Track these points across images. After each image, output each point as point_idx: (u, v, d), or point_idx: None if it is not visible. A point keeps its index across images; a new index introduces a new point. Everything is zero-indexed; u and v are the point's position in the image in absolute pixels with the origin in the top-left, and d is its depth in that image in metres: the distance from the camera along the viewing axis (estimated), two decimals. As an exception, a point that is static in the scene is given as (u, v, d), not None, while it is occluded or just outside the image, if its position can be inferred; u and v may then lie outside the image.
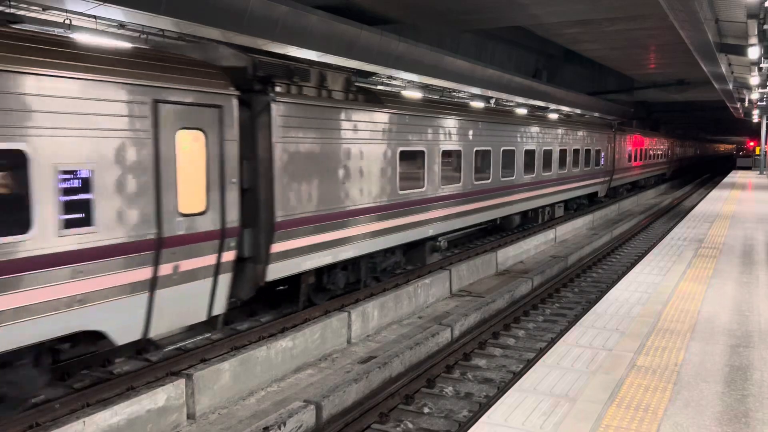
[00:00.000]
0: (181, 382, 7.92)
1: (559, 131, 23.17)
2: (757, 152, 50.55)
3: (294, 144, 10.22)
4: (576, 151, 25.05)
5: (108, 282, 7.37)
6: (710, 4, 14.70)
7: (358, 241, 12.01)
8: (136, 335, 7.89)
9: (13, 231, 6.41)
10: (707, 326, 7.54)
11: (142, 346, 10.05)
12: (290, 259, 10.29)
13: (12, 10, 10.28)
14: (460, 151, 15.79)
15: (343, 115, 11.40)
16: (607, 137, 29.55)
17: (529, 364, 10.32)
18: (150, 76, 7.77)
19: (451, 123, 15.31)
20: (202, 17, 11.49)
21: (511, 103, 26.21)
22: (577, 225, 24.43)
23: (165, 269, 8.05)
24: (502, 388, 9.30)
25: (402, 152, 13.26)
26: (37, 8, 10.31)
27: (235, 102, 8.97)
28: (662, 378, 5.92)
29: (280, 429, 7.33)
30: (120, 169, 7.45)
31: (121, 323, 7.63)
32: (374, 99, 12.58)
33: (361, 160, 11.97)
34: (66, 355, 9.60)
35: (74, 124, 6.93)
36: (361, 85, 14.03)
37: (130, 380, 8.48)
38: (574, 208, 27.05)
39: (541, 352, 10.81)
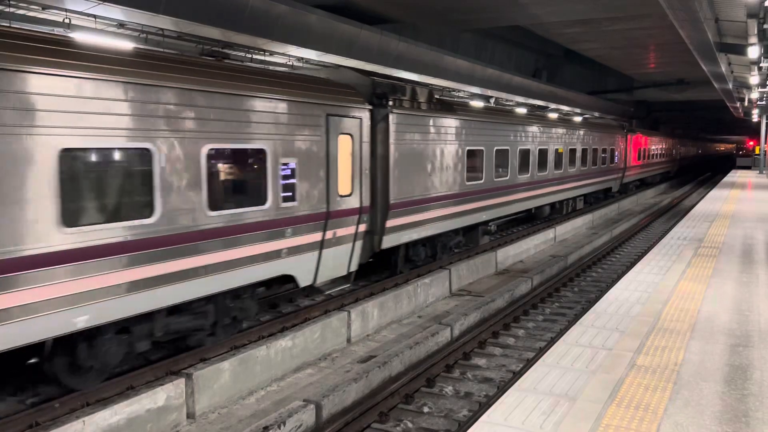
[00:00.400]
0: (180, 382, 7.92)
1: (581, 132, 26.02)
2: (757, 152, 50.57)
3: (402, 145, 13.42)
4: (595, 151, 27.93)
5: (299, 241, 10.29)
6: (710, 4, 14.70)
7: (437, 221, 15.01)
8: (309, 282, 10.78)
9: (257, 203, 9.47)
10: (707, 325, 7.54)
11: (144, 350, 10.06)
12: (396, 233, 13.42)
13: (11, 9, 10.28)
14: (507, 150, 18.70)
15: (429, 122, 14.44)
16: (620, 138, 32.54)
17: (529, 363, 10.32)
18: (324, 98, 10.83)
19: (501, 126, 18.33)
20: (201, 16, 11.49)
21: (545, 108, 28.81)
22: (577, 224, 24.43)
23: (328, 234, 11.03)
24: (502, 388, 9.30)
25: (468, 151, 16.20)
26: (36, 7, 10.31)
27: (367, 114, 12.12)
28: (662, 377, 5.92)
29: (279, 428, 7.33)
30: (308, 162, 10.43)
31: (304, 271, 10.56)
32: (448, 108, 15.48)
33: (441, 157, 14.96)
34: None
35: (289, 130, 10.01)
36: (438, 97, 16.83)
37: (130, 380, 8.47)
38: (591, 201, 29.94)
39: (541, 352, 10.81)
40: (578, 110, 32.68)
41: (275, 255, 9.80)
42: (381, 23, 19.02)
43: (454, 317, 11.99)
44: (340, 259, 11.51)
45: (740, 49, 18.28)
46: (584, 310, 13.31)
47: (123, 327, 8.11)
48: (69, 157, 6.95)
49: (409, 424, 8.20)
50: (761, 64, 19.10)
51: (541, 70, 31.97)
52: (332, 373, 9.64)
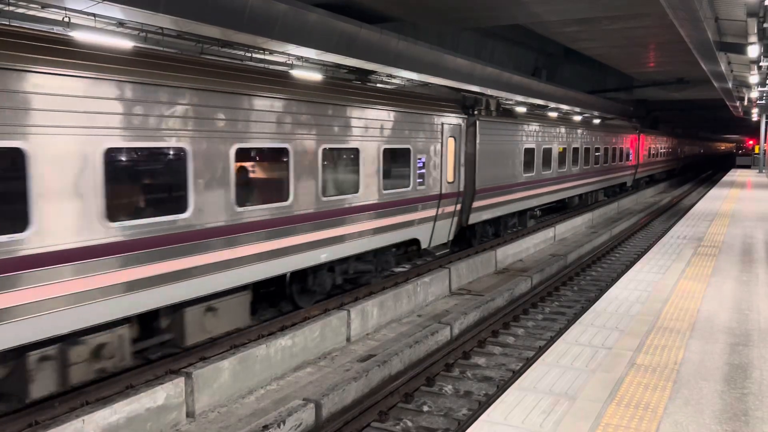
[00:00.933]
0: (180, 381, 7.92)
1: (603, 134, 30.07)
2: (756, 151, 50.56)
3: (484, 144, 17.43)
4: (614, 150, 32.14)
5: (423, 215, 14.37)
6: (710, 3, 14.68)
7: (504, 205, 19.08)
8: (426, 245, 14.81)
9: (401, 187, 13.39)
10: (707, 325, 7.54)
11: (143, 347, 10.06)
12: (478, 212, 17.45)
13: (11, 8, 10.27)
14: (551, 148, 22.48)
15: (500, 126, 18.47)
16: (634, 138, 36.35)
17: (529, 362, 10.32)
18: (441, 111, 15.08)
19: (546, 129, 22.15)
20: (201, 15, 11.47)
21: (577, 113, 32.46)
22: (577, 223, 24.43)
23: (440, 211, 15.04)
24: (502, 387, 9.30)
25: (525, 149, 20.29)
26: (36, 6, 10.29)
27: (464, 121, 16.24)
28: (662, 376, 5.92)
29: (279, 427, 7.32)
30: (431, 157, 14.52)
31: (425, 237, 14.66)
32: (509, 113, 19.73)
33: (507, 154, 19.06)
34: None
35: (422, 135, 14.19)
36: (503, 105, 20.37)
37: (130, 378, 8.47)
38: (609, 194, 33.67)
39: (541, 351, 10.81)
40: (578, 109, 33.05)
41: (410, 224, 13.92)
42: (381, 22, 19.00)
43: (453, 316, 11.99)
44: (444, 230, 15.64)
45: (740, 48, 18.25)
46: (584, 309, 13.31)
47: (330, 267, 12.00)
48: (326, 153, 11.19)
49: (409, 423, 8.20)
50: (761, 63, 19.08)
51: (540, 69, 31.95)
52: (332, 372, 9.64)
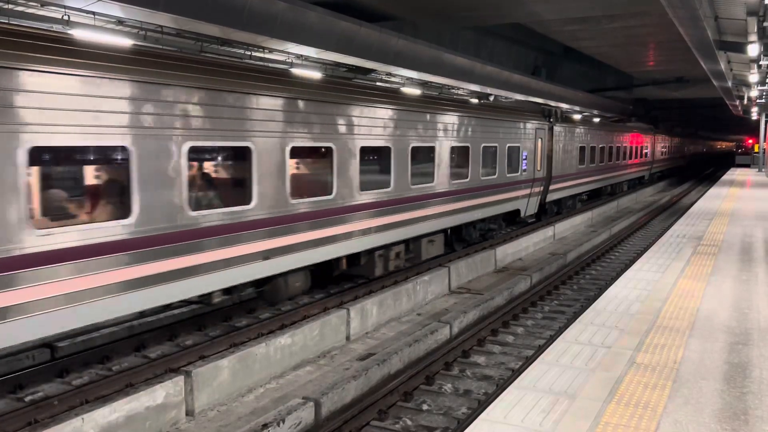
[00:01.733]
0: (179, 379, 7.91)
1: (630, 134, 36.64)
2: (756, 150, 50.54)
3: (557, 144, 23.43)
4: (636, 148, 38.04)
5: (522, 193, 19.85)
6: (709, 2, 14.66)
7: (567, 189, 25.39)
8: (523, 214, 20.37)
9: (515, 172, 19.26)
10: (706, 324, 7.54)
11: (140, 343, 10.06)
12: (551, 193, 23.31)
13: (10, 6, 10.25)
14: (595, 146, 29.11)
15: (566, 129, 24.71)
16: (650, 138, 42.72)
17: (528, 361, 10.32)
18: (535, 119, 20.98)
19: (593, 131, 28.83)
20: (200, 14, 11.46)
21: (612, 118, 39.37)
22: (576, 222, 24.44)
23: (532, 191, 20.71)
24: (501, 386, 9.30)
25: (579, 147, 26.54)
26: (35, 4, 10.28)
27: (547, 125, 22.14)
28: (662, 375, 5.92)
29: (279, 426, 7.32)
30: (530, 153, 20.18)
31: (522, 208, 20.13)
32: (569, 119, 25.70)
33: (571, 151, 25.36)
34: (64, 352, 9.61)
35: (525, 137, 19.98)
36: (565, 114, 26.32)
37: (129, 377, 8.47)
38: (629, 186, 39.07)
39: (540, 350, 10.81)
40: (577, 108, 33.23)
41: (515, 198, 19.71)
42: (380, 20, 18.99)
43: (453, 315, 11.99)
44: (533, 205, 21.56)
45: (740, 47, 18.23)
46: (583, 308, 13.31)
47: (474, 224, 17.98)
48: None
49: (408, 422, 8.20)
50: (761, 62, 19.08)
51: (540, 67, 31.93)
52: (331, 370, 9.64)
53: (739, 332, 7.23)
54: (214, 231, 8.83)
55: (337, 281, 14.08)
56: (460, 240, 18.04)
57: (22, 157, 6.58)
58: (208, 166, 9.29)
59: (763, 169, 43.30)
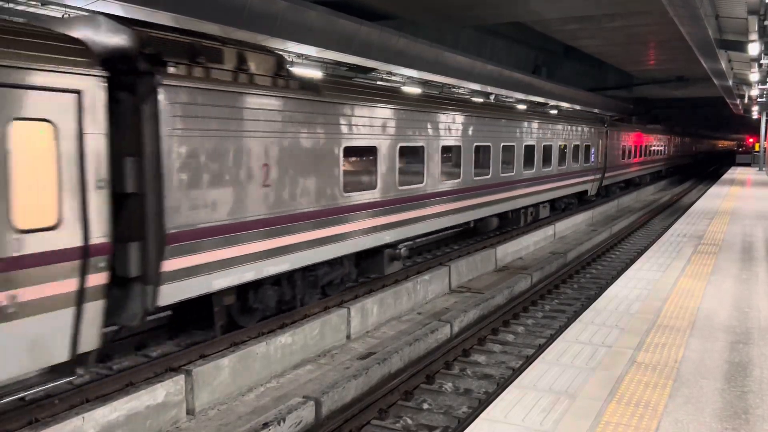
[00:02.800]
0: (180, 378, 7.91)
1: (659, 135, 45.33)
2: (756, 149, 50.51)
3: (609, 142, 29.62)
4: (658, 147, 45.41)
5: (590, 178, 27.16)
6: (710, 0, 14.67)
7: (614, 177, 31.65)
8: (589, 194, 27.58)
9: (588, 161, 26.52)
10: (707, 323, 7.54)
11: (141, 342, 10.07)
12: (607, 180, 29.90)
13: (11, 5, 10.25)
14: (642, 145, 37.32)
15: (613, 131, 30.59)
16: (667, 138, 49.33)
17: (529, 360, 10.32)
18: (597, 125, 27.81)
19: (629, 132, 34.80)
20: (201, 12, 11.47)
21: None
22: (577, 221, 24.43)
23: (596, 177, 27.94)
24: (502, 385, 9.29)
25: (623, 146, 32.67)
26: (35, 3, 10.28)
27: (605, 130, 29.04)
28: (662, 375, 5.92)
29: (279, 425, 7.32)
30: (596, 149, 27.46)
31: (589, 189, 27.29)
32: (614, 125, 31.77)
33: (617, 148, 31.38)
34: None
35: (592, 137, 26.88)
36: (613, 120, 33.28)
37: (129, 376, 8.47)
38: (649, 179, 43.56)
39: (541, 349, 10.81)
40: (578, 107, 33.56)
41: (586, 182, 26.29)
42: (381, 20, 18.99)
43: (453, 314, 11.99)
44: (596, 187, 27.83)
45: (740, 46, 18.23)
46: (584, 307, 13.30)
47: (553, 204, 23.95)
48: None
49: (409, 421, 8.20)
50: (761, 61, 19.06)
51: (540, 66, 31.95)
52: (332, 369, 9.64)
53: (740, 331, 7.23)
54: (412, 198, 13.26)
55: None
56: (554, 209, 24.58)
57: (339, 152, 10.75)
58: (402, 160, 12.91)
59: (763, 168, 43.27)
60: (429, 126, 13.72)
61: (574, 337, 7.01)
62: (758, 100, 35.34)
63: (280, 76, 9.49)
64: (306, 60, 16.47)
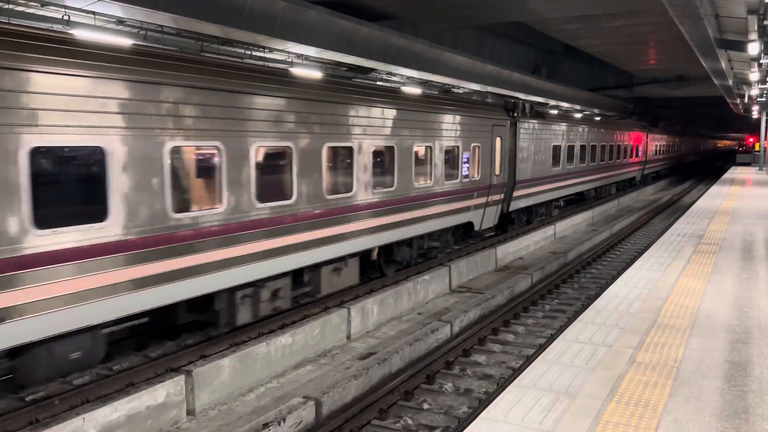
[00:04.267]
0: (180, 379, 7.92)
1: (682, 137, 55.13)
2: (757, 148, 50.49)
3: (650, 142, 42.25)
4: (674, 146, 53.51)
5: (634, 168, 38.54)
6: (710, 0, 14.65)
7: (652, 167, 44.20)
8: (633, 180, 39.71)
9: (630, 158, 37.12)
10: (707, 322, 7.54)
11: (141, 343, 10.07)
12: (646, 170, 42.53)
13: (11, 6, 10.25)
14: (666, 144, 48.86)
15: (652, 133, 43.24)
16: (680, 138, 57.10)
17: (529, 360, 10.32)
18: (638, 128, 39.80)
19: (662, 135, 47.02)
20: (201, 13, 11.46)
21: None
22: (577, 221, 24.43)
23: (641, 168, 40.66)
24: (502, 385, 9.30)
25: (654, 144, 43.68)
26: (36, 4, 10.28)
27: (645, 134, 40.70)
28: (662, 374, 5.92)
29: (279, 425, 7.33)
30: (633, 148, 38.92)
31: (633, 177, 39.08)
32: (665, 128, 51.29)
33: (654, 146, 43.92)
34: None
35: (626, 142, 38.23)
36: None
37: (130, 376, 8.48)
38: (666, 173, 52.15)
39: (541, 349, 10.81)
40: (578, 107, 33.50)
41: (633, 172, 37.79)
42: (381, 19, 18.98)
43: (453, 314, 11.99)
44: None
45: (740, 46, 18.22)
46: (584, 307, 13.31)
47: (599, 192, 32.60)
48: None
49: (409, 421, 8.20)
50: (761, 61, 19.05)
51: (540, 66, 31.92)
52: (332, 369, 9.64)
53: (740, 330, 7.23)
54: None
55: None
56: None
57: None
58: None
59: (764, 168, 43.26)
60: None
61: (574, 337, 7.01)
62: (758, 99, 35.31)
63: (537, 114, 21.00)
64: (306, 60, 16.46)
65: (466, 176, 16.25)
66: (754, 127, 62.93)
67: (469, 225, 17.12)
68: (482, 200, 17.37)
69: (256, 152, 9.46)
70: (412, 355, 10.23)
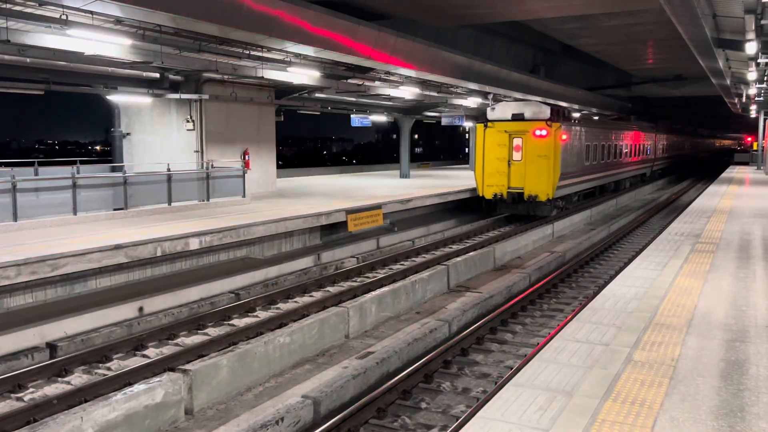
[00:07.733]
0: (178, 378, 7.93)
1: (692, 137, 63.85)
2: (755, 148, 50.58)
3: (659, 142, 45.68)
4: (690, 144, 62.31)
5: (647, 165, 44.36)
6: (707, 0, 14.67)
7: (658, 165, 46.94)
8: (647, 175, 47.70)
9: (648, 155, 43.73)
10: (704, 321, 7.55)
11: (139, 343, 10.08)
12: (655, 167, 46.48)
13: (8, 5, 10.24)
14: (672, 143, 51.82)
15: (673, 134, 53.03)
16: (689, 138, 63.94)
17: (526, 359, 10.33)
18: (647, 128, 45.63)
19: (675, 134, 54.59)
20: (199, 12, 11.46)
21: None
22: (575, 220, 24.46)
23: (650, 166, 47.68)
24: (499, 383, 9.31)
25: (662, 144, 47.63)
26: (33, 3, 10.28)
27: (662, 136, 47.22)
28: (659, 373, 5.94)
29: (277, 424, 7.34)
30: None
31: (646, 172, 44.81)
32: (671, 128, 54.03)
33: (663, 146, 47.57)
34: (63, 352, 9.62)
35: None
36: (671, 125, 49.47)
37: (128, 376, 8.49)
38: (672, 170, 54.58)
39: (539, 348, 10.82)
40: (576, 106, 33.54)
41: (647, 169, 44.40)
42: (378, 19, 18.99)
43: (452, 313, 12.00)
44: (647, 173, 39.76)
45: (738, 45, 18.23)
46: (582, 306, 13.32)
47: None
48: None
49: (407, 420, 8.22)
50: (759, 60, 19.06)
51: (539, 65, 31.95)
52: (330, 369, 9.65)
53: (737, 329, 7.25)
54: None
55: (335, 281, 14.11)
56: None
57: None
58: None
59: (761, 167, 43.33)
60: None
61: (572, 336, 7.02)
62: (756, 98, 35.35)
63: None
64: (304, 60, 16.47)
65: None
66: (752, 127, 63.06)
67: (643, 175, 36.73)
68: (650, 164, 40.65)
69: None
70: (410, 354, 10.24)
